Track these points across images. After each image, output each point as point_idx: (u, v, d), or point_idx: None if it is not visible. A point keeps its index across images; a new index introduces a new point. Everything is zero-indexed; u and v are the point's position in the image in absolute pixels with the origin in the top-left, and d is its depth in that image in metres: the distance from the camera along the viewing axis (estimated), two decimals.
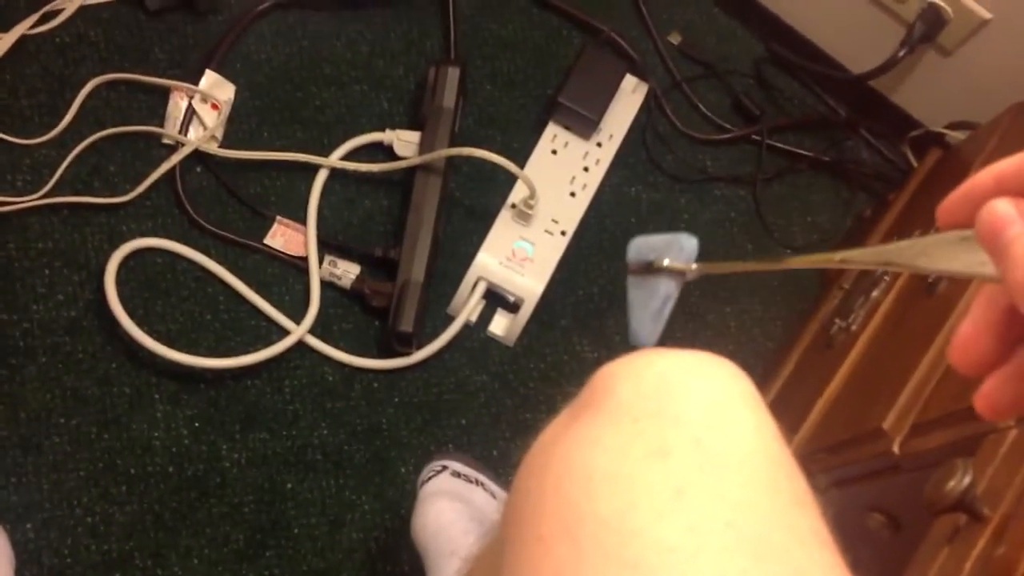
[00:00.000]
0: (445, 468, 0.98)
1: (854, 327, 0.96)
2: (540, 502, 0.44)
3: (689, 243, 0.60)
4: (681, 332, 1.14)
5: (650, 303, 0.76)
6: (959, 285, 0.84)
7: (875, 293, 0.97)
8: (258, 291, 1.04)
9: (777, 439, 0.44)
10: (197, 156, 1.06)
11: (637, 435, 0.43)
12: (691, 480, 0.41)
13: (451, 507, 0.92)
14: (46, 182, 1.01)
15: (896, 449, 0.76)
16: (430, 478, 0.97)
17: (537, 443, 0.47)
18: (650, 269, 0.65)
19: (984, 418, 0.38)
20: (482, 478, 0.99)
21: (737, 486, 0.41)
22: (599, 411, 0.45)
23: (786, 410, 0.99)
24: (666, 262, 0.60)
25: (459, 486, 0.96)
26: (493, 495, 0.97)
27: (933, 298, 0.87)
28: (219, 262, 1.04)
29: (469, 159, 1.07)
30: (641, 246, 0.63)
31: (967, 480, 0.59)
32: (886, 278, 0.98)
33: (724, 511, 0.40)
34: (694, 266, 0.57)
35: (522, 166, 1.09)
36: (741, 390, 0.45)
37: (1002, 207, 0.36)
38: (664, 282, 0.63)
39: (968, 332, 0.38)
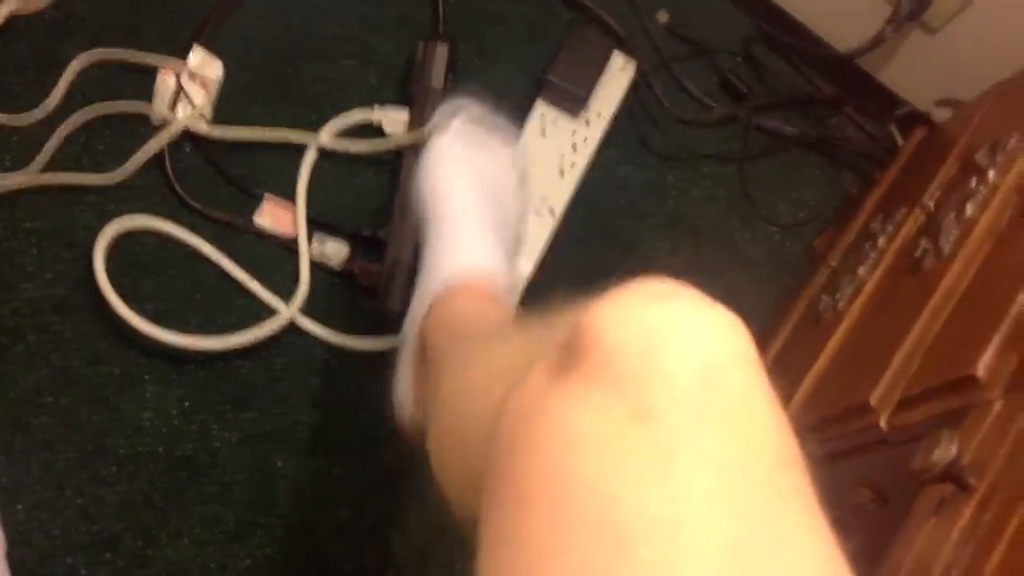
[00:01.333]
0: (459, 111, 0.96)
1: (841, 304, 0.97)
2: (524, 459, 0.43)
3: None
4: None
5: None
6: (944, 263, 0.85)
7: (861, 270, 0.98)
8: (247, 271, 1.04)
9: (766, 398, 0.43)
10: (186, 135, 1.06)
11: (622, 396, 0.42)
12: (675, 444, 0.40)
13: (466, 175, 0.91)
14: (35, 161, 1.01)
15: (883, 424, 0.77)
16: (444, 121, 0.95)
17: (525, 390, 0.46)
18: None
19: None
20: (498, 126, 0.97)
21: (722, 449, 0.41)
22: (585, 368, 0.44)
23: (775, 387, 0.99)
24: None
25: (474, 136, 0.95)
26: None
27: (919, 276, 0.88)
28: (208, 241, 1.04)
29: None
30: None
31: (953, 450, 0.60)
32: (872, 256, 0.98)
33: (708, 477, 0.40)
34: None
35: None
36: (734, 344, 0.44)
37: None
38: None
39: None
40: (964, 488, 0.59)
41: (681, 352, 0.42)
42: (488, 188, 0.91)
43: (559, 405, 0.44)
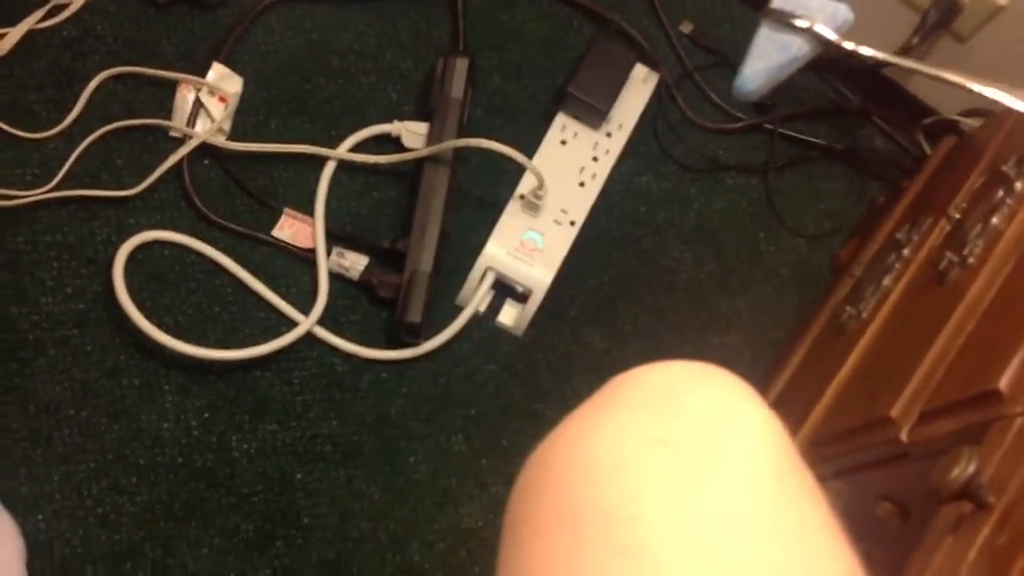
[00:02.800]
0: None
1: (864, 315, 0.95)
2: (541, 497, 0.43)
3: (845, 15, 0.56)
4: (692, 321, 1.13)
5: (775, 57, 0.73)
6: (969, 274, 0.83)
7: (886, 281, 0.96)
8: (266, 283, 1.04)
9: (782, 433, 0.43)
10: (204, 149, 1.06)
11: (639, 425, 0.42)
12: (696, 468, 0.40)
13: None
14: (54, 176, 1.02)
15: (904, 437, 0.75)
16: None
17: (539, 446, 0.46)
18: (790, 24, 0.61)
19: None
20: None
21: (744, 473, 0.40)
22: (600, 405, 0.44)
23: (797, 398, 0.98)
24: (817, 27, 0.56)
25: None
26: None
27: (943, 287, 0.86)
28: (227, 254, 1.04)
29: (478, 150, 1.06)
30: None
31: (972, 468, 0.58)
32: (897, 266, 0.97)
33: (733, 498, 0.39)
34: (848, 45, 0.53)
35: (531, 156, 1.09)
36: (746, 391, 0.44)
37: None
38: (799, 43, 0.59)
39: None
40: (982, 506, 0.58)
41: (696, 391, 0.43)
42: None
43: (575, 437, 0.44)
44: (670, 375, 0.44)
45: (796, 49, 0.58)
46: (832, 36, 0.49)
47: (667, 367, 0.45)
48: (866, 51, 0.63)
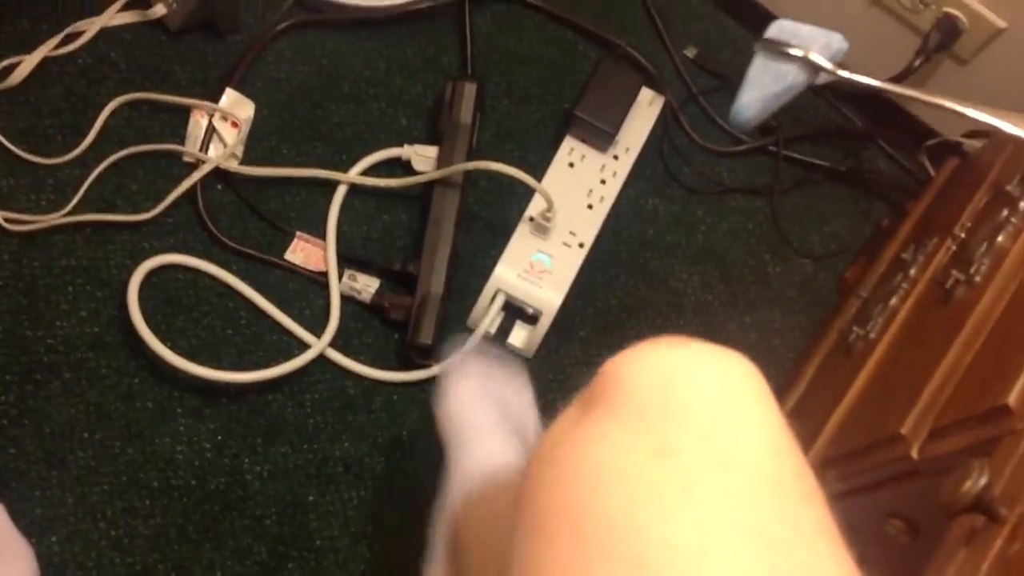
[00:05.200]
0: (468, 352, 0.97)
1: (872, 335, 0.96)
2: (551, 496, 0.45)
3: (839, 44, 0.58)
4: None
5: (771, 86, 0.74)
6: (976, 292, 0.84)
7: (893, 301, 0.97)
8: (279, 306, 1.05)
9: (784, 435, 0.44)
10: (218, 173, 1.07)
11: (644, 432, 0.43)
12: (697, 478, 0.41)
13: (488, 402, 0.89)
14: (70, 201, 1.03)
15: (915, 454, 0.76)
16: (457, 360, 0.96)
17: (549, 435, 0.48)
18: (785, 53, 0.63)
19: None
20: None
21: (743, 482, 0.42)
22: (607, 407, 0.46)
23: (806, 418, 0.98)
24: (812, 56, 0.57)
25: (488, 368, 0.94)
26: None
27: (950, 305, 0.87)
28: (240, 278, 1.05)
29: (487, 173, 1.08)
30: (786, 28, 0.61)
31: (983, 481, 0.59)
32: (903, 286, 0.98)
33: (730, 508, 0.40)
34: (844, 73, 0.54)
35: (539, 179, 1.10)
36: (750, 385, 0.45)
37: None
38: (795, 72, 0.60)
39: None
40: (995, 519, 0.58)
41: (700, 390, 0.44)
42: (510, 415, 0.90)
43: (582, 443, 0.45)
44: (674, 367, 0.45)
45: (792, 78, 0.59)
46: (827, 65, 0.50)
47: (673, 354, 0.46)
48: (860, 79, 0.64)
